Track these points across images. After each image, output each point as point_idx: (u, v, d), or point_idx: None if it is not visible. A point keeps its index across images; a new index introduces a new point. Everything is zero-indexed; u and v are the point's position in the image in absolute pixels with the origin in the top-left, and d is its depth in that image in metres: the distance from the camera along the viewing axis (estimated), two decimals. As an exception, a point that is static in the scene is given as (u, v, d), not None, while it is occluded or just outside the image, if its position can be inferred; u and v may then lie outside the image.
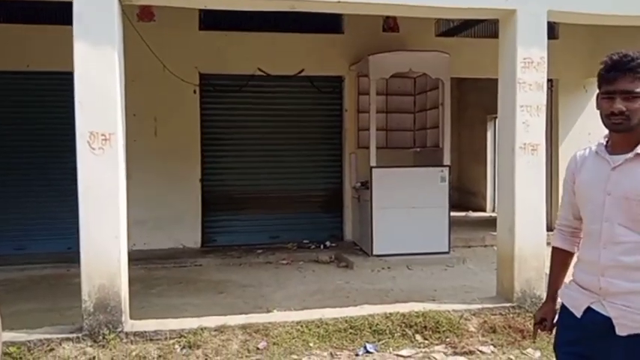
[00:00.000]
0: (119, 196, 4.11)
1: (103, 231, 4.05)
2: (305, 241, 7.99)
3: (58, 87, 6.85)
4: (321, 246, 7.82)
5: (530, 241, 4.72)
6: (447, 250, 7.22)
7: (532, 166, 4.73)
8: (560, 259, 2.17)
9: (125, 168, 4.24)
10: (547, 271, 4.53)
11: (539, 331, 2.17)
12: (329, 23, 8.00)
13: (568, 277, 2.12)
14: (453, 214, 7.61)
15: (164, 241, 7.68)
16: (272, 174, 8.18)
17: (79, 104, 4.00)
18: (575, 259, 2.10)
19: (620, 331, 1.82)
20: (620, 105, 1.83)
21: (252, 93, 7.98)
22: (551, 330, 2.13)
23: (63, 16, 6.75)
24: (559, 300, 2.11)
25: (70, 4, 3.96)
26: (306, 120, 8.30)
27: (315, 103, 8.30)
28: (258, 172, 8.15)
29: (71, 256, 5.69)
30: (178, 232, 7.78)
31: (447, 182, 7.22)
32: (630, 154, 1.85)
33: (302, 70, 7.96)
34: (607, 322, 1.84)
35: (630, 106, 1.83)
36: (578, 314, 1.94)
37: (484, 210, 11.24)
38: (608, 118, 1.87)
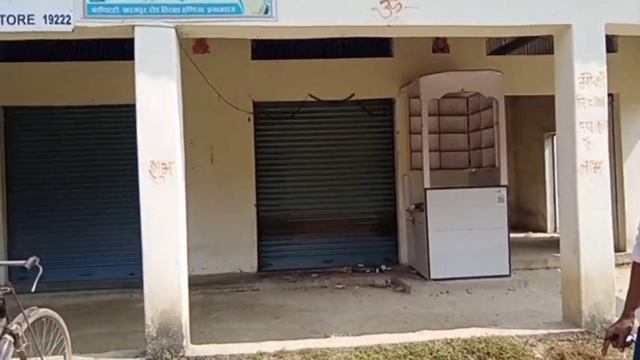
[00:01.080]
0: (179, 222, 4.23)
1: (164, 257, 4.17)
2: (360, 265, 7.94)
3: (121, 119, 7.20)
4: (377, 270, 7.74)
5: (597, 262, 4.50)
6: (507, 272, 6.99)
7: (595, 184, 4.54)
8: None
9: (184, 195, 4.37)
10: (618, 294, 4.30)
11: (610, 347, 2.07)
12: (378, 47, 8.05)
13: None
14: (512, 235, 7.37)
15: (221, 266, 7.82)
16: (325, 198, 8.21)
17: (141, 134, 4.17)
18: None
19: None
20: None
21: (304, 118, 8.10)
22: (623, 347, 2.03)
23: (125, 51, 7.15)
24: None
25: (132, 40, 4.18)
26: (358, 143, 8.32)
27: (366, 126, 8.32)
28: (311, 196, 8.21)
29: (134, 281, 5.89)
30: (235, 257, 7.90)
31: (505, 202, 7.02)
32: None
33: (352, 95, 8.02)
34: None
35: None
36: None
37: (545, 231, 10.85)
38: None
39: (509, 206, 7.20)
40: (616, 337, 2.03)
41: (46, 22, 4.00)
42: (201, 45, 7.50)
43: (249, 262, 7.97)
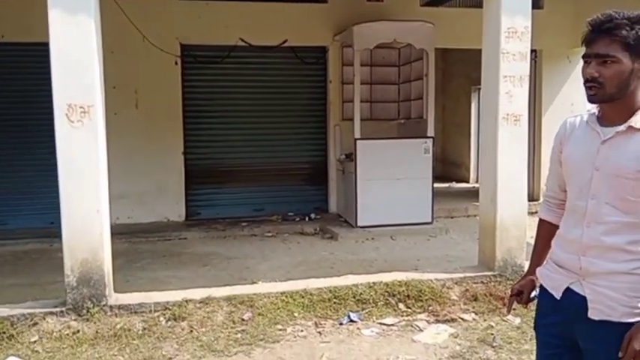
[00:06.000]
0: (100, 169, 4.05)
1: (84, 205, 4.01)
2: (290, 214, 8.01)
3: (35, 58, 6.68)
4: (306, 218, 7.84)
5: (511, 210, 4.77)
6: (430, 220, 7.29)
7: (515, 137, 4.75)
8: (546, 232, 2.03)
9: (106, 141, 4.17)
10: (529, 240, 4.58)
11: (515, 303, 2.07)
12: (312, -8, 7.87)
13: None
14: (436, 185, 7.67)
15: (148, 215, 7.64)
16: (256, 146, 8.12)
17: (56, 76, 3.90)
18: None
19: (593, 314, 1.72)
20: (592, 70, 1.67)
21: (235, 64, 7.86)
22: (526, 303, 2.05)
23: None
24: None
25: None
26: (290, 91, 8.21)
27: (299, 74, 8.21)
28: (241, 145, 8.09)
29: (54, 230, 5.63)
30: (162, 206, 7.73)
31: (430, 154, 7.25)
32: (622, 127, 1.67)
33: (285, 41, 7.84)
34: (584, 303, 1.74)
35: (603, 72, 1.66)
36: (558, 295, 1.83)
37: (467, 181, 11.32)
38: (584, 85, 1.72)
39: (434, 157, 7.44)
40: (520, 294, 2.03)
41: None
42: (123, -19, 7.02)
43: (176, 211, 7.83)
